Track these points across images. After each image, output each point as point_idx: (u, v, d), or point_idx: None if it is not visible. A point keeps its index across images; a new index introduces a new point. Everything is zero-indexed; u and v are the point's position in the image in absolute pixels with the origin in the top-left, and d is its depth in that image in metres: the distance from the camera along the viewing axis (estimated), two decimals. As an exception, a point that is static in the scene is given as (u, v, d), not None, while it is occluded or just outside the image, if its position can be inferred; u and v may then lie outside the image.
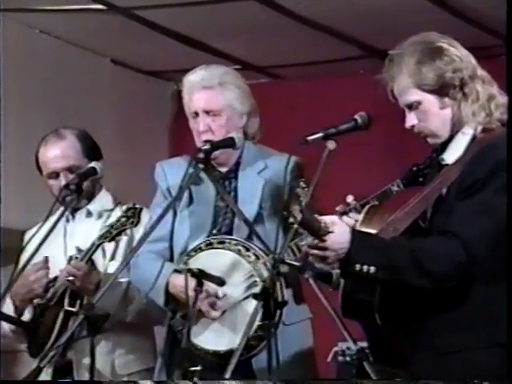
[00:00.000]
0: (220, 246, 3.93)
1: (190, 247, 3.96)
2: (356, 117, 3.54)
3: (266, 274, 3.68)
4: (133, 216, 4.02)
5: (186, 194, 4.04)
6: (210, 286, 3.82)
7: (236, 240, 3.91)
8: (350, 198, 3.38)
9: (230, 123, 4.03)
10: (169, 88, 6.93)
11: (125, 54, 6.49)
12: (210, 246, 3.94)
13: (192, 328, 3.79)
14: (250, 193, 4.04)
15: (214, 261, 3.91)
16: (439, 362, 3.30)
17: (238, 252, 3.88)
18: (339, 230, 3.25)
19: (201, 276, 3.76)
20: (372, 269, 3.21)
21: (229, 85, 4.07)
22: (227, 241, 3.92)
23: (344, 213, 3.35)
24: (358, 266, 3.21)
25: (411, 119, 3.31)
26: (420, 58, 3.29)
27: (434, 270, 3.23)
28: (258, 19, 5.72)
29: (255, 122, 4.11)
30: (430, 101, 3.30)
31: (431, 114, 3.31)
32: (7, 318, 4.24)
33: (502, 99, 3.36)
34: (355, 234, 3.27)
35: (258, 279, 3.77)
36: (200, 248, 3.92)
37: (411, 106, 3.31)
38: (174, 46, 6.19)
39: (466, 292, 3.26)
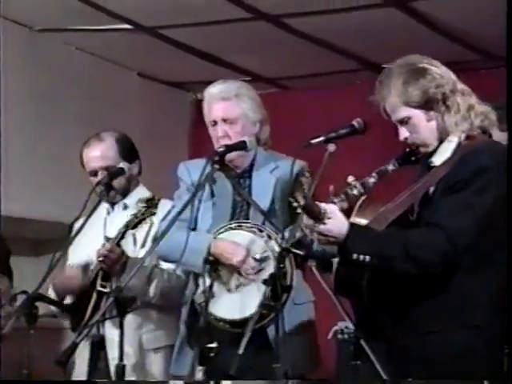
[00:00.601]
0: (238, 228, 3.96)
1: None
2: (353, 122, 3.54)
3: (277, 249, 3.69)
4: (152, 206, 4.05)
5: (207, 189, 4.06)
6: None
7: (251, 223, 3.93)
8: (350, 178, 3.32)
9: (244, 130, 4.04)
10: (188, 97, 6.94)
11: (150, 67, 6.49)
12: (229, 228, 3.97)
13: (211, 301, 3.79)
14: (263, 189, 4.06)
15: (234, 239, 3.94)
16: (420, 341, 3.29)
17: (253, 232, 3.89)
18: (337, 217, 3.25)
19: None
20: (367, 258, 3.21)
21: (243, 96, 4.09)
22: (244, 224, 3.95)
23: (346, 193, 3.36)
24: (355, 256, 3.22)
25: (403, 133, 3.33)
26: (406, 79, 3.31)
27: (421, 258, 3.24)
28: (266, 36, 5.73)
29: (266, 129, 4.14)
30: (417, 115, 3.32)
31: (420, 127, 3.32)
32: (50, 302, 4.24)
33: (481, 108, 3.37)
34: (352, 226, 3.26)
35: (270, 255, 3.79)
36: (221, 232, 3.95)
37: (402, 121, 3.33)
38: (192, 60, 6.19)
39: (447, 279, 3.26)
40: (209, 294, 3.78)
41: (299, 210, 3.25)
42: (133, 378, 4.11)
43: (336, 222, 3.23)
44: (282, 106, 6.27)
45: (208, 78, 6.26)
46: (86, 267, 4.18)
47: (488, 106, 3.41)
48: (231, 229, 3.96)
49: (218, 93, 4.11)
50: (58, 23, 5.62)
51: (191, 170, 4.12)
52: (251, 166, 4.10)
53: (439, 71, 3.34)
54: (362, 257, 3.22)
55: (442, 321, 3.27)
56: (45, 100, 5.66)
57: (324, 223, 3.22)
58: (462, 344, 3.25)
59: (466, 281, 3.25)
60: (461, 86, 3.37)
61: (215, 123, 4.05)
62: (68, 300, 4.33)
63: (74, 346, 3.76)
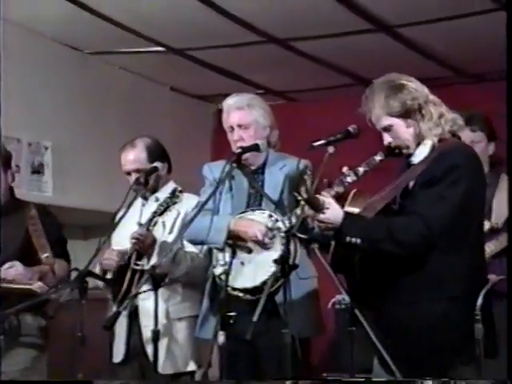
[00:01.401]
0: (252, 214, 3.97)
1: None
2: (349, 128, 3.55)
3: (284, 228, 3.72)
4: (176, 196, 4.05)
5: (227, 184, 4.08)
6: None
7: (263, 210, 3.95)
8: (345, 168, 3.35)
9: (256, 134, 4.07)
10: (211, 108, 6.87)
11: (179, 83, 6.46)
12: (243, 215, 4.00)
13: (230, 273, 3.80)
14: (274, 183, 4.08)
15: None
16: (404, 310, 3.29)
17: (264, 218, 3.92)
18: (334, 207, 3.26)
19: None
20: (358, 240, 3.23)
21: (255, 106, 4.13)
22: (257, 211, 3.97)
23: (341, 180, 3.35)
24: (348, 239, 3.23)
25: (387, 138, 3.36)
26: (387, 93, 3.33)
27: (403, 240, 3.24)
28: (276, 56, 5.71)
29: (275, 133, 4.17)
30: (398, 123, 3.34)
31: (400, 133, 3.35)
32: (96, 276, 4.25)
33: (450, 115, 3.39)
34: (346, 214, 3.27)
35: (277, 234, 3.81)
36: (236, 218, 3.97)
37: (385, 129, 3.36)
38: (215, 76, 6.17)
39: (427, 257, 3.26)
40: (229, 266, 3.82)
41: (302, 203, 3.29)
42: (162, 343, 4.10)
43: (333, 211, 3.25)
44: (288, 114, 6.28)
45: (228, 91, 6.28)
46: (123, 252, 4.21)
47: (457, 113, 3.40)
48: (250, 212, 3.98)
49: (234, 103, 4.14)
50: (104, 47, 5.64)
51: (213, 169, 4.14)
52: (264, 164, 4.12)
53: (414, 86, 3.36)
54: (354, 240, 3.23)
55: (423, 293, 3.26)
56: (93, 110, 5.68)
57: (323, 213, 3.24)
58: (439, 312, 3.24)
59: (443, 258, 3.25)
60: (432, 97, 3.39)
61: (232, 129, 4.10)
62: (109, 275, 4.30)
63: (117, 314, 3.80)
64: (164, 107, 6.35)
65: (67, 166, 5.39)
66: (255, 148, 4.00)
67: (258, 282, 3.74)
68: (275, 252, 3.80)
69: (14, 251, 4.14)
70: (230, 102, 4.17)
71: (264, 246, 3.85)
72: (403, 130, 3.36)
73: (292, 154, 4.16)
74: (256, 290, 3.59)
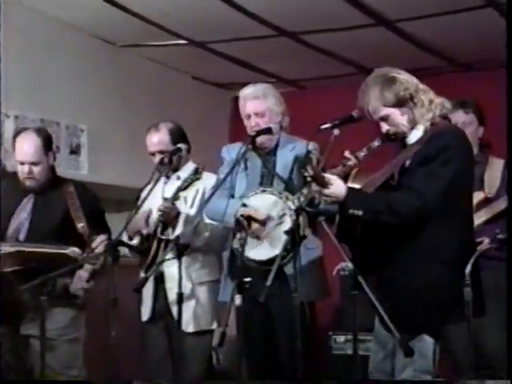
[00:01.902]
0: (264, 192, 3.98)
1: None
2: (352, 113, 3.56)
3: (293, 207, 3.71)
4: (197, 173, 4.03)
5: (242, 164, 4.10)
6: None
7: (274, 189, 3.95)
8: (346, 152, 3.36)
9: (271, 120, 4.09)
10: (229, 95, 6.80)
11: (200, 72, 6.44)
12: (259, 192, 4.00)
13: (245, 246, 3.77)
14: (285, 164, 4.09)
15: (261, 200, 3.95)
16: (400, 276, 3.31)
17: (275, 195, 3.92)
18: (338, 183, 3.26)
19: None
20: (360, 212, 3.23)
21: (268, 95, 4.13)
22: (268, 189, 3.97)
23: (344, 163, 3.36)
24: (350, 211, 3.24)
25: (385, 126, 3.36)
26: (381, 87, 3.33)
27: (401, 212, 3.25)
28: (287, 48, 5.69)
29: (286, 119, 4.18)
30: (393, 112, 3.34)
31: (397, 120, 3.34)
32: (127, 246, 4.25)
33: (438, 100, 3.38)
34: (349, 189, 3.27)
35: (287, 211, 3.81)
36: (252, 195, 3.98)
37: (383, 119, 3.35)
38: (232, 66, 6.16)
39: (422, 227, 3.27)
40: (244, 241, 3.83)
41: (309, 179, 3.30)
42: (185, 304, 4.06)
43: (337, 186, 3.25)
44: (298, 101, 6.27)
45: (243, 80, 6.31)
46: (147, 214, 4.20)
47: (444, 98, 3.41)
48: (261, 192, 3.98)
49: (250, 93, 4.14)
50: (134, 40, 5.64)
51: (230, 151, 4.17)
52: (276, 146, 4.13)
53: (405, 77, 3.36)
54: (356, 212, 3.24)
55: (418, 260, 3.28)
56: (124, 97, 5.70)
57: (328, 188, 3.24)
58: (432, 276, 3.26)
59: (436, 229, 3.26)
60: (422, 85, 3.40)
61: (249, 116, 4.11)
62: (135, 240, 4.32)
63: (145, 279, 3.83)
64: (186, 94, 6.33)
65: (101, 147, 5.41)
66: (268, 131, 4.02)
67: (271, 254, 3.75)
68: (286, 226, 3.82)
69: (56, 223, 4.19)
70: (246, 92, 4.17)
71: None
72: (399, 118, 3.35)
73: (300, 135, 4.16)
74: (270, 262, 3.59)
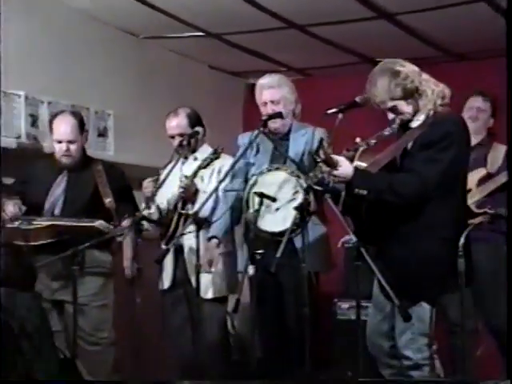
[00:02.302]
0: (278, 169, 4.01)
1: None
2: (356, 99, 3.56)
3: (304, 185, 3.70)
4: (216, 154, 4.03)
5: (255, 149, 4.15)
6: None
7: (286, 167, 3.98)
8: (358, 139, 3.36)
9: (285, 107, 4.14)
10: (243, 82, 6.84)
11: (216, 61, 6.41)
12: (270, 170, 4.02)
13: (259, 219, 3.84)
14: (297, 147, 4.12)
15: (274, 178, 3.97)
16: (400, 249, 3.34)
17: (288, 173, 3.94)
18: (345, 164, 3.26)
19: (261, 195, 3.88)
20: (365, 192, 3.24)
21: (283, 85, 4.18)
22: (282, 167, 4.01)
23: (355, 149, 3.37)
24: (356, 190, 3.24)
25: (391, 115, 3.38)
26: (389, 81, 3.32)
27: (402, 192, 3.26)
28: (296, 39, 5.66)
29: (299, 106, 4.24)
30: (400, 104, 3.34)
31: (403, 111, 3.35)
32: (149, 220, 4.29)
33: (438, 88, 3.37)
34: (356, 170, 3.27)
35: (299, 189, 3.82)
36: (264, 172, 4.02)
37: (390, 109, 3.36)
38: (246, 56, 6.13)
39: (422, 206, 3.28)
40: (257, 212, 3.84)
41: (320, 162, 3.30)
42: (204, 274, 4.11)
43: (345, 168, 3.26)
44: (306, 87, 6.25)
45: (256, 68, 6.35)
46: (155, 179, 4.23)
47: (444, 85, 3.41)
48: (275, 169, 4.01)
49: (266, 83, 4.18)
50: (156, 32, 5.63)
51: (244, 137, 4.26)
52: (289, 132, 4.14)
53: (409, 69, 3.34)
54: (361, 191, 3.24)
55: (417, 235, 3.31)
56: (147, 84, 5.70)
57: (337, 169, 3.25)
58: (429, 250, 3.29)
59: (433, 208, 3.28)
60: (423, 75, 3.38)
61: (265, 104, 4.14)
62: (152, 209, 4.35)
63: (166, 251, 3.86)
64: (203, 82, 6.31)
65: (126, 130, 5.41)
66: (279, 115, 4.04)
67: (283, 227, 3.74)
68: (297, 202, 3.83)
69: (87, 198, 4.25)
70: (263, 82, 4.21)
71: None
72: (405, 108, 3.35)
73: (309, 119, 4.18)
74: (281, 234, 3.61)
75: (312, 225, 3.92)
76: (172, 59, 5.99)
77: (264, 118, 4.04)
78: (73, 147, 4.27)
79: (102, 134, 5.29)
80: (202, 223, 3.90)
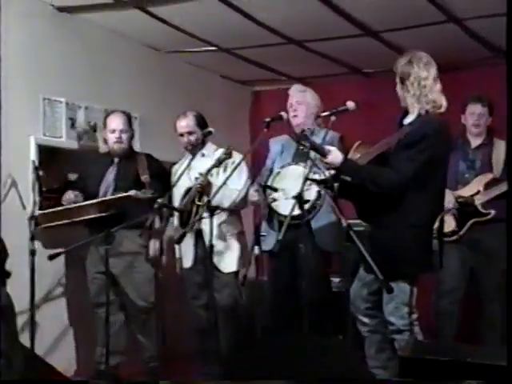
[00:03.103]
0: (296, 164, 4.16)
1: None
2: (347, 104, 3.64)
3: (317, 178, 3.77)
4: (228, 153, 4.08)
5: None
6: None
7: (303, 163, 4.08)
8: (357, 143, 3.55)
9: (307, 110, 4.33)
10: (249, 90, 6.87)
11: (226, 71, 6.43)
12: (292, 164, 4.20)
13: (278, 204, 4.01)
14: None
15: (293, 171, 4.14)
16: (382, 232, 3.43)
17: (303, 167, 4.07)
18: (335, 153, 3.33)
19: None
20: (349, 178, 3.32)
21: (307, 91, 4.39)
22: (300, 162, 4.14)
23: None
24: (342, 176, 3.34)
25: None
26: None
27: (380, 183, 3.32)
28: (295, 53, 5.69)
29: (319, 110, 4.29)
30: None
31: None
32: (170, 208, 4.42)
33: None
34: (345, 159, 3.35)
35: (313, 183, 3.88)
36: (285, 165, 4.21)
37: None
38: (251, 67, 6.15)
39: (400, 198, 3.35)
40: (273, 200, 4.01)
41: (309, 150, 3.41)
42: (221, 251, 4.23)
43: (335, 156, 3.33)
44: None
45: (261, 78, 6.35)
46: None
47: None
48: (293, 164, 4.18)
49: (294, 89, 4.40)
50: (175, 47, 5.66)
51: (274, 143, 4.47)
52: (311, 133, 4.22)
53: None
54: (347, 178, 3.33)
55: (395, 221, 3.38)
56: (166, 92, 5.74)
57: (326, 157, 3.34)
58: (406, 236, 3.36)
59: (411, 199, 3.35)
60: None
61: (292, 105, 4.31)
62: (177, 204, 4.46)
63: (184, 234, 3.94)
64: (215, 89, 6.34)
65: (149, 131, 5.48)
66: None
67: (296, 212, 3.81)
68: (311, 192, 3.98)
69: (132, 182, 4.41)
70: (293, 88, 4.41)
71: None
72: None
73: None
74: (296, 217, 3.58)
75: (326, 212, 4.00)
76: (188, 70, 6.03)
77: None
78: (124, 136, 4.52)
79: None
80: (214, 210, 3.97)
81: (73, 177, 4.75)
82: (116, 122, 4.52)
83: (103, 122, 4.63)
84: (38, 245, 4.25)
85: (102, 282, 4.26)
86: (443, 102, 3.41)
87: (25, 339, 3.93)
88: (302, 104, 4.29)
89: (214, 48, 5.61)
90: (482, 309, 4.59)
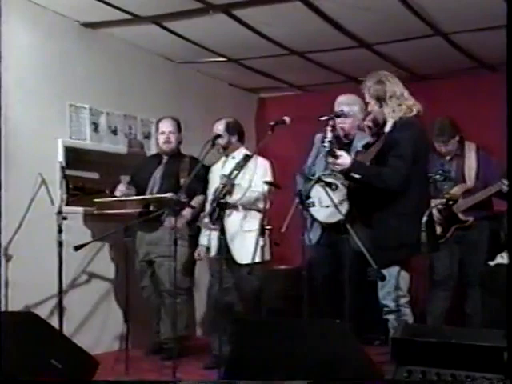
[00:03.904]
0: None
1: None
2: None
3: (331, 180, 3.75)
4: (248, 158, 4.15)
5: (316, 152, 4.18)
6: None
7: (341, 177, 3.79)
8: None
9: (353, 121, 4.12)
10: (255, 97, 6.83)
11: (234, 80, 6.38)
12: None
13: (314, 210, 3.88)
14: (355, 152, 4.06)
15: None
16: (375, 226, 3.44)
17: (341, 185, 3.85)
18: (345, 156, 3.36)
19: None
20: (359, 176, 3.35)
21: (356, 103, 4.10)
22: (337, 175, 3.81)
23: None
24: (352, 174, 3.36)
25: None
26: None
27: (386, 180, 3.37)
28: (296, 63, 5.66)
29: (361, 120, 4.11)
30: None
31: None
32: (189, 206, 4.46)
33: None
34: (353, 160, 3.39)
35: (346, 199, 3.76)
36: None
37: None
38: (257, 76, 6.12)
39: (390, 195, 3.39)
40: (311, 205, 3.80)
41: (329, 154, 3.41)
42: (239, 244, 4.24)
43: (345, 159, 3.36)
44: (305, 100, 6.32)
45: (266, 86, 6.34)
46: None
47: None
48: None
49: (343, 101, 4.11)
50: (187, 58, 5.64)
51: (318, 138, 4.13)
52: (353, 140, 4.15)
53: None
54: (356, 176, 3.37)
55: (390, 211, 3.41)
56: (181, 99, 5.71)
57: (339, 159, 3.37)
58: (395, 224, 3.39)
59: (400, 196, 3.39)
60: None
61: (338, 115, 3.99)
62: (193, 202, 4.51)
63: (198, 227, 3.92)
64: (224, 96, 6.33)
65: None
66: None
67: (328, 220, 3.87)
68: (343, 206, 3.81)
69: (174, 181, 4.52)
70: (341, 99, 4.11)
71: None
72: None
73: (306, 122, 3.95)
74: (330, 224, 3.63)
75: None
76: (200, 79, 6.02)
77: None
78: (172, 136, 4.64)
79: (147, 136, 5.34)
80: (225, 208, 4.03)
81: (125, 179, 4.85)
82: (166, 125, 4.68)
83: (155, 126, 4.79)
84: (66, 236, 4.27)
85: (143, 267, 4.60)
86: (416, 105, 3.46)
87: (54, 322, 3.98)
88: (350, 117, 4.05)
89: (223, 59, 5.61)
90: (466, 293, 4.63)
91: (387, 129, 3.48)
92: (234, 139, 4.43)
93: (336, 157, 3.36)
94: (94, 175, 4.90)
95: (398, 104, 3.42)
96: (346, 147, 4.05)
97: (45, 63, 4.54)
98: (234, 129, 4.47)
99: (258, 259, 4.14)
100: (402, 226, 3.38)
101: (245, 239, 4.25)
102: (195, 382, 3.76)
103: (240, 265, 4.27)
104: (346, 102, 4.06)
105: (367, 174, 3.36)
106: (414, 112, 3.45)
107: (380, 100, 3.44)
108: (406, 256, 3.48)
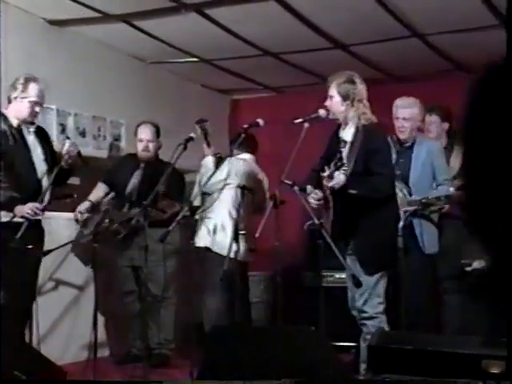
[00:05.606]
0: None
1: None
2: (319, 112, 3.65)
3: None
4: (222, 158, 4.31)
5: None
6: None
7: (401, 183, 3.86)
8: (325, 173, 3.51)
9: (413, 125, 4.04)
10: (228, 99, 6.82)
11: (207, 81, 6.38)
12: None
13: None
14: (419, 157, 4.06)
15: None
16: (369, 233, 3.45)
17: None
18: (338, 175, 3.35)
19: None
20: (355, 191, 3.34)
21: (416, 106, 4.04)
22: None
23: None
24: (350, 191, 3.34)
25: None
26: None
27: (380, 190, 3.41)
28: (270, 63, 5.68)
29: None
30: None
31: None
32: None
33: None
34: (346, 177, 3.37)
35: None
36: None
37: None
38: (230, 77, 6.12)
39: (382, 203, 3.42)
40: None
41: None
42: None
43: (339, 178, 3.33)
44: (279, 102, 6.34)
45: (239, 87, 6.34)
46: None
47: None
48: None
49: (402, 104, 4.05)
50: (158, 58, 5.64)
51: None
52: (413, 143, 4.09)
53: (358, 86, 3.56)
54: (352, 191, 3.33)
55: (374, 218, 3.44)
56: (152, 99, 5.69)
57: (333, 179, 3.35)
58: (384, 232, 3.46)
59: (383, 202, 3.44)
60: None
61: (397, 119, 4.03)
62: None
63: (168, 232, 3.87)
64: (197, 97, 6.31)
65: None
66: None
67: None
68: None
69: (152, 189, 4.32)
70: (400, 102, 4.07)
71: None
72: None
73: (280, 125, 4.00)
74: None
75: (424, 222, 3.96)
76: (172, 79, 6.00)
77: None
78: (151, 145, 4.60)
79: (117, 138, 5.30)
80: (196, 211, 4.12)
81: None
82: (145, 133, 4.64)
83: (134, 130, 4.74)
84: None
85: (127, 273, 4.62)
86: (372, 116, 3.48)
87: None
88: (409, 120, 4.00)
89: (195, 59, 5.60)
90: (441, 300, 4.64)
91: (347, 133, 3.46)
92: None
93: (331, 177, 3.34)
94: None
95: (363, 112, 3.42)
96: (406, 151, 4.00)
97: (8, 62, 4.45)
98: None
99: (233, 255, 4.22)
100: (387, 232, 3.42)
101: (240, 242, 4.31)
102: (189, 382, 3.70)
103: (240, 262, 4.34)
104: (405, 105, 4.03)
105: (362, 188, 3.35)
106: (375, 120, 3.46)
107: (346, 99, 3.43)
108: (393, 262, 3.52)
